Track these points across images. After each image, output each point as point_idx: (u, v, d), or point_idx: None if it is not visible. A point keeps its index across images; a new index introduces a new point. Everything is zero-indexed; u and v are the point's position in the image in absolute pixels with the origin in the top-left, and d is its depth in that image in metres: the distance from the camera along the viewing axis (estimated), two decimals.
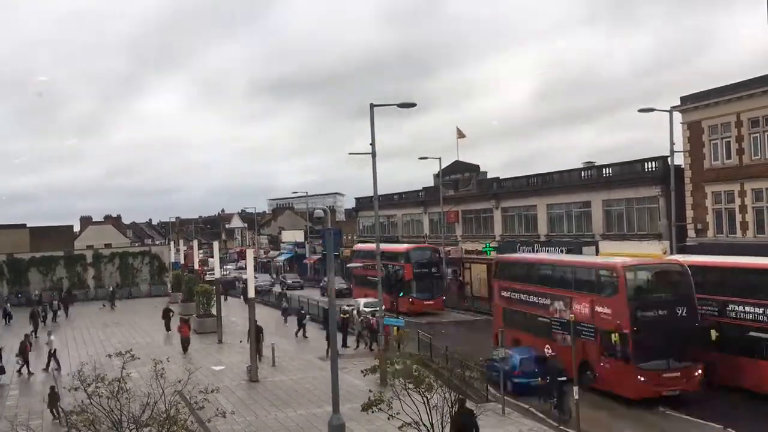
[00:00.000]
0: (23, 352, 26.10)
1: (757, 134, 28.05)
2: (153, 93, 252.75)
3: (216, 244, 39.56)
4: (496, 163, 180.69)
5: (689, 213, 31.19)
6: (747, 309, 20.07)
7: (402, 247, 46.91)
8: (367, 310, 35.28)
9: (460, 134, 50.90)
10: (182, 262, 54.11)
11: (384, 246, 43.80)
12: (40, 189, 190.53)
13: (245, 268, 61.83)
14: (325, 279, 49.29)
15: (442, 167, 49.58)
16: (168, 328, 35.17)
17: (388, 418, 13.08)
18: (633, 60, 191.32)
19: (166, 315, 36.15)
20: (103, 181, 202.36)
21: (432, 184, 54.68)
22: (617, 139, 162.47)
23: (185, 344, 29.38)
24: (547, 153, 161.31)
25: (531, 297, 25.72)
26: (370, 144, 24.99)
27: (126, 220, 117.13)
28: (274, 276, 75.89)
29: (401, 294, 40.46)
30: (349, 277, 62.42)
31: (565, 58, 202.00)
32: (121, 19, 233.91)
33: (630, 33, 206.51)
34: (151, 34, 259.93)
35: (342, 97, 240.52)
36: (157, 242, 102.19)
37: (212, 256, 45.04)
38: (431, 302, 42.15)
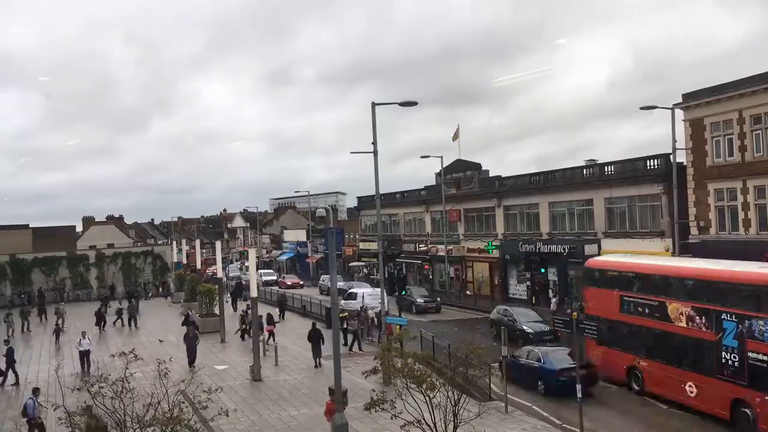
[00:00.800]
0: (271, 322, 29.77)
1: (760, 131, 27.99)
2: (191, 86, 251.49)
3: (218, 244, 39.64)
4: (545, 155, 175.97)
5: (692, 210, 31.15)
6: None
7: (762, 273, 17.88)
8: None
9: (456, 135, 50.76)
10: (185, 261, 54.21)
11: (701, 265, 20.80)
12: (58, 187, 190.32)
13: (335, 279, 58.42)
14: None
15: (444, 165, 49.65)
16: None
17: (391, 418, 13.11)
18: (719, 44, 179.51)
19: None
20: (125, 180, 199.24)
21: (434, 183, 54.68)
22: (661, 132, 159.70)
23: None
24: (596, 145, 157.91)
25: None
26: (372, 143, 24.98)
27: (129, 220, 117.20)
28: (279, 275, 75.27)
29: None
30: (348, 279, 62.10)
31: (635, 44, 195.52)
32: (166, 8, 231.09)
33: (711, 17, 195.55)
34: (192, 26, 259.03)
35: (395, 89, 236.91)
36: (160, 242, 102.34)
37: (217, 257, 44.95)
38: None
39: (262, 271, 69.51)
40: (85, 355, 25.88)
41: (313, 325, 27.70)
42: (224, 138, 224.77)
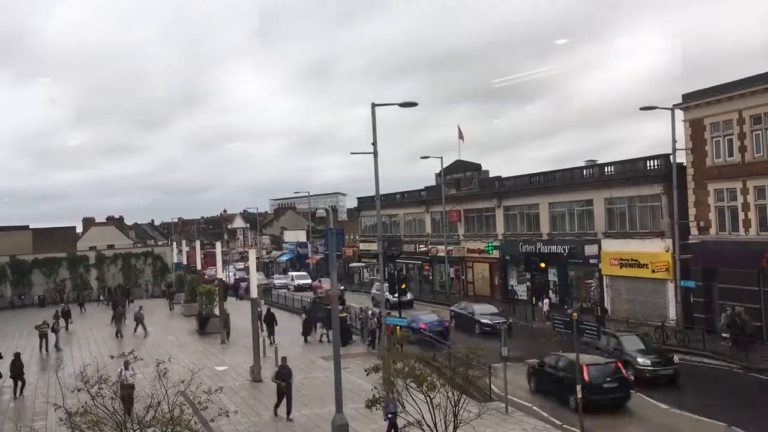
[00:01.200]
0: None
1: (759, 131, 27.98)
2: (207, 85, 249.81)
3: (218, 245, 39.60)
4: (570, 153, 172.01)
5: (691, 211, 31.14)
6: None
7: None
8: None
9: (461, 135, 50.79)
10: (185, 262, 54.20)
11: None
12: (61, 187, 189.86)
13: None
14: None
15: (444, 166, 49.67)
16: None
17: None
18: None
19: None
20: (129, 180, 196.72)
21: (434, 183, 54.70)
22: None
23: None
24: (624, 142, 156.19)
25: None
26: (372, 144, 25.02)
27: (130, 221, 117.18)
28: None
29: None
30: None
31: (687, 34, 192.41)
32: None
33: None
34: (201, 25, 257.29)
35: (430, 86, 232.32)
36: (160, 243, 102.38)
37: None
38: None
39: (293, 273, 65.96)
40: (130, 389, 17.73)
41: (268, 309, 33.72)
42: (235, 138, 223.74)
